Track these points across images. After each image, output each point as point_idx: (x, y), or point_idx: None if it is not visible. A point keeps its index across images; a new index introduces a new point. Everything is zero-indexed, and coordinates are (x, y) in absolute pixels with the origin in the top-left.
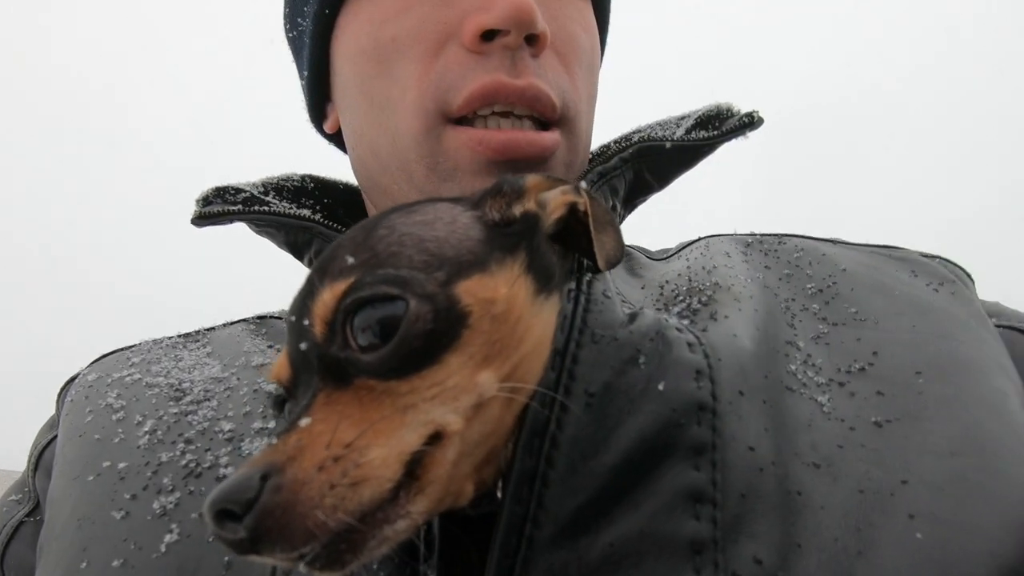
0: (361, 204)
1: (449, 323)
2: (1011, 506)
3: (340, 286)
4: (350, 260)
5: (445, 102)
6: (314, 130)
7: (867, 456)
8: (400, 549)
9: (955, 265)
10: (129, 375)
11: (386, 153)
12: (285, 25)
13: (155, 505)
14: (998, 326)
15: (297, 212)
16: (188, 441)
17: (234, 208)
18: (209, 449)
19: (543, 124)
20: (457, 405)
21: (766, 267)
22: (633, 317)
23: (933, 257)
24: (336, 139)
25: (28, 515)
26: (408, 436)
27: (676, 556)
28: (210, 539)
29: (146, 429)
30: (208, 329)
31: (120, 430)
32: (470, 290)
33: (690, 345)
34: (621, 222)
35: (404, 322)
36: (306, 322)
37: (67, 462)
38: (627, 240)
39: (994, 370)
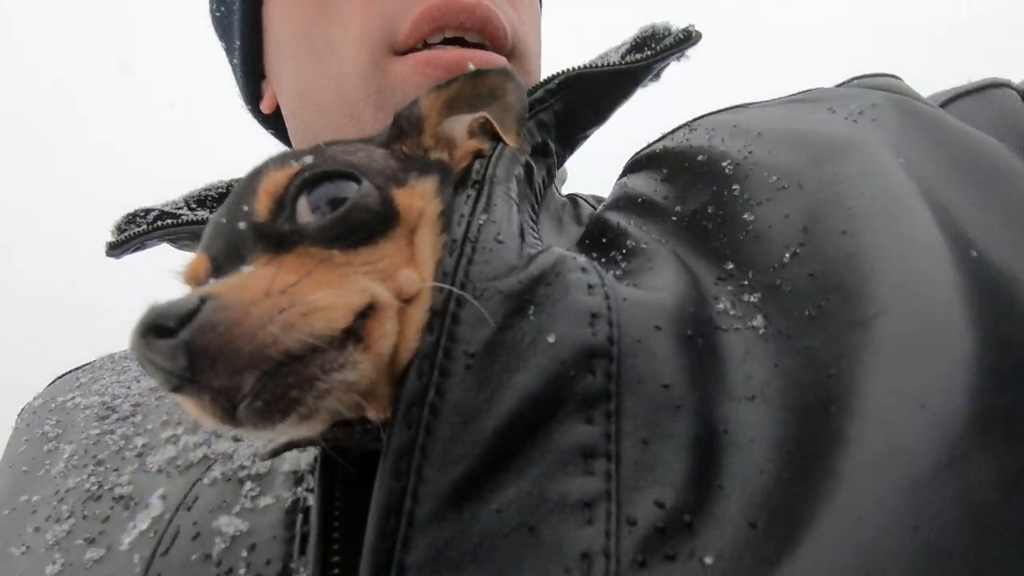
0: None
1: (387, 215)
2: (946, 353)
3: (294, 168)
4: (295, 160)
5: (391, 32)
6: (251, 115)
7: (804, 361)
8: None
9: (875, 76)
10: (71, 399)
11: (331, 102)
12: (211, 6)
13: (48, 536)
14: (943, 104)
15: (202, 217)
16: (99, 463)
17: (139, 230)
18: (117, 469)
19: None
20: (388, 286)
21: (683, 197)
22: (530, 260)
23: (849, 81)
24: (274, 122)
25: None
26: (350, 294)
27: (566, 515)
28: (88, 565)
29: (66, 456)
30: None
31: (47, 461)
32: (399, 196)
33: (590, 287)
34: (561, 161)
35: (356, 194)
36: (247, 206)
37: None
38: (583, 189)
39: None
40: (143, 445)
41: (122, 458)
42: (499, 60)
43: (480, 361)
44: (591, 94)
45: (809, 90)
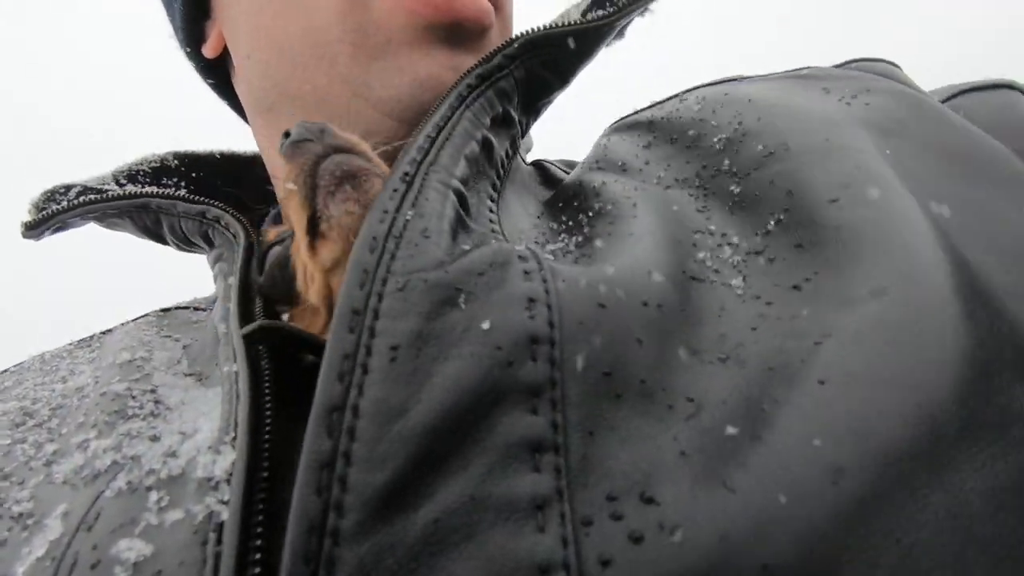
0: (243, 172)
1: None
2: (939, 344)
3: None
4: None
5: None
6: (188, 61)
7: (783, 329)
8: None
9: (875, 61)
10: None
11: (299, 43)
12: None
13: None
14: (944, 100)
15: (128, 191)
16: (5, 476)
17: (59, 207)
18: (23, 482)
19: None
20: None
21: (667, 167)
22: (461, 255)
23: (848, 63)
24: (216, 71)
25: None
26: None
27: (514, 518)
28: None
29: None
30: (105, 332)
31: None
32: None
33: (526, 273)
34: (525, 130)
35: None
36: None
37: None
38: (548, 154)
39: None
40: (53, 452)
41: (29, 469)
42: (485, 3)
43: (405, 352)
44: (553, 56)
45: (804, 68)
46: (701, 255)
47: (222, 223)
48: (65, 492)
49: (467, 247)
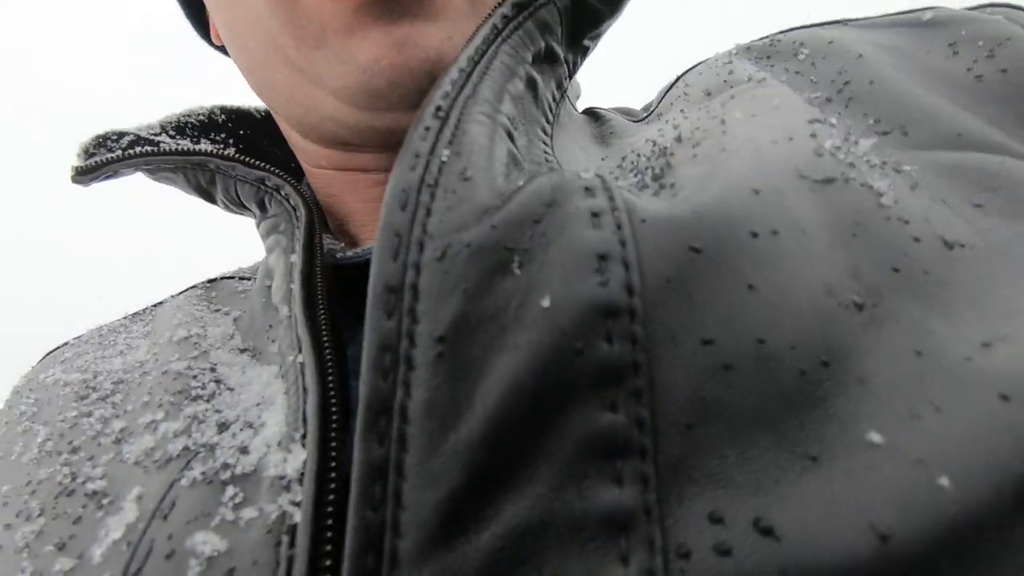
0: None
1: None
2: None
3: None
4: None
5: None
6: (210, 47)
7: (932, 291)
8: None
9: (1020, 8)
10: (51, 375)
11: (252, 40)
12: None
13: (18, 536)
14: None
15: (188, 147)
16: (74, 450)
17: (113, 156)
18: (92, 457)
19: None
20: None
21: (765, 68)
22: (512, 195)
23: (984, 6)
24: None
25: None
26: None
27: (592, 546)
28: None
29: (39, 440)
30: (156, 304)
31: (20, 444)
32: None
33: (595, 215)
34: (573, 70)
35: None
36: None
37: None
38: (608, 102)
39: None
40: (121, 430)
41: (98, 444)
42: None
43: (452, 344)
44: None
45: (928, 10)
46: (828, 144)
47: (282, 193)
48: (138, 474)
49: (520, 183)
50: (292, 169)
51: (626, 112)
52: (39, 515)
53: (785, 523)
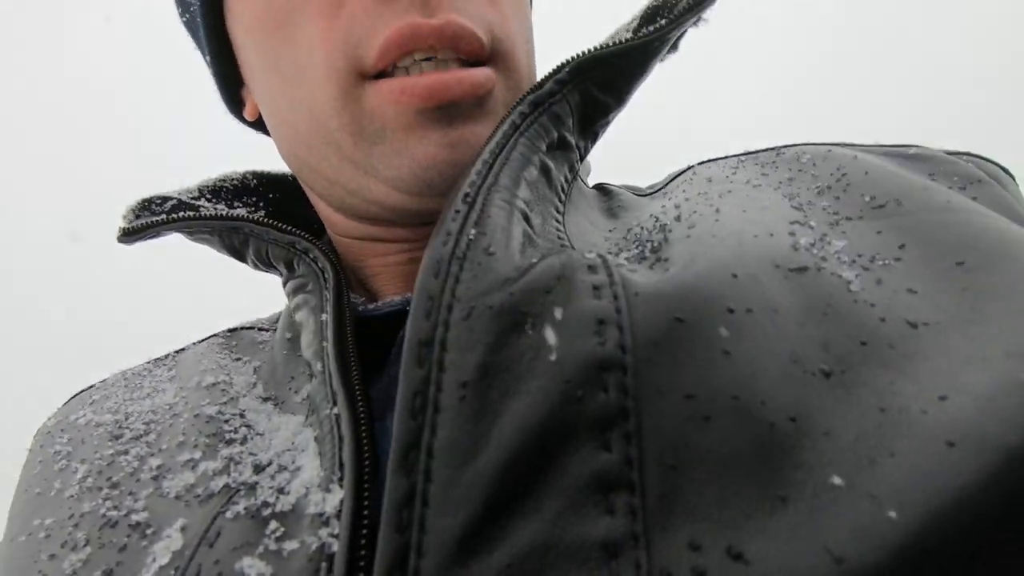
0: None
1: None
2: None
3: None
4: None
5: (357, 58)
6: (233, 118)
7: (896, 361)
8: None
9: (989, 162)
10: (82, 415)
11: (307, 129)
12: (177, 9)
13: (65, 565)
14: None
15: (226, 212)
16: (113, 485)
17: (158, 219)
18: (132, 492)
19: (474, 65)
20: None
21: (763, 174)
22: (528, 269)
23: (960, 154)
24: (260, 125)
25: None
26: None
27: (587, 567)
28: None
29: (79, 476)
30: (179, 351)
31: (58, 481)
32: None
33: (596, 288)
34: (583, 154)
35: None
36: None
37: (10, 520)
38: (617, 180)
39: None
40: (158, 467)
41: (137, 480)
42: (477, 75)
43: (474, 389)
44: (607, 77)
45: (910, 146)
46: (803, 241)
47: (310, 256)
48: (179, 508)
49: (534, 260)
50: (315, 229)
51: (632, 189)
52: (84, 545)
53: (754, 551)
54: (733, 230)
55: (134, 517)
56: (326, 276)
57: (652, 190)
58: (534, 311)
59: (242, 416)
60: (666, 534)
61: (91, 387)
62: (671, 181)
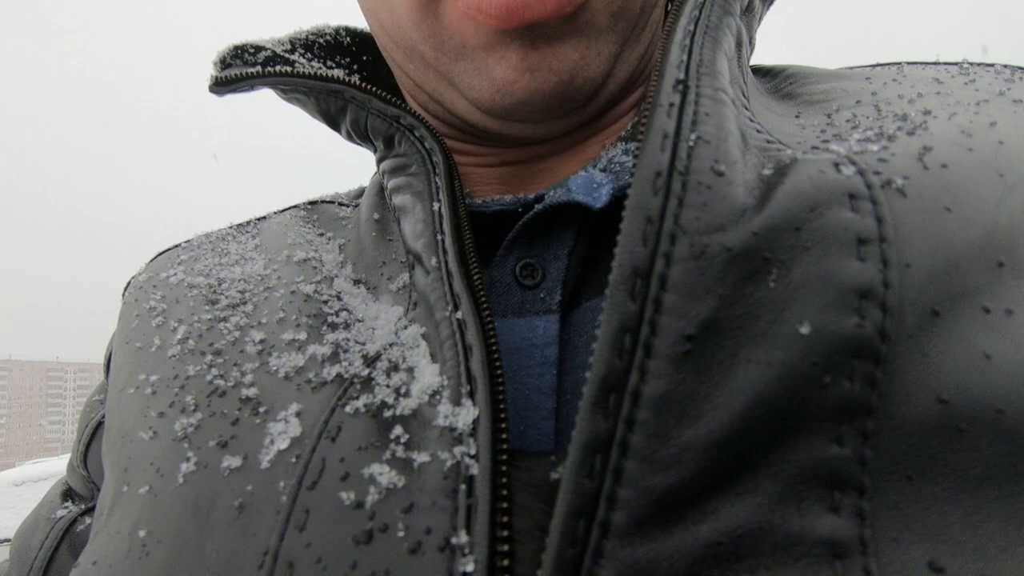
0: None
1: None
2: None
3: None
4: None
5: None
6: None
7: None
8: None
9: None
10: (173, 274)
11: (392, 30)
12: None
13: (176, 426)
14: None
15: (325, 73)
16: (217, 352)
17: (253, 71)
18: (236, 363)
19: None
20: None
21: (1015, 101)
22: (767, 193)
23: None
24: None
25: (103, 418)
26: None
27: (806, 562)
28: (225, 473)
29: (179, 336)
30: (260, 219)
31: (157, 338)
32: None
33: (862, 242)
34: (759, 20)
35: None
36: None
37: (115, 371)
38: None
39: None
40: (261, 341)
41: (240, 351)
42: None
43: (699, 344)
44: None
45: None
46: None
47: (416, 134)
48: (291, 390)
49: (768, 173)
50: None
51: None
52: (194, 410)
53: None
54: (1013, 163)
55: (244, 391)
56: (434, 160)
57: (825, 74)
58: (779, 256)
59: (339, 299)
60: (900, 548)
61: (177, 246)
62: (862, 67)
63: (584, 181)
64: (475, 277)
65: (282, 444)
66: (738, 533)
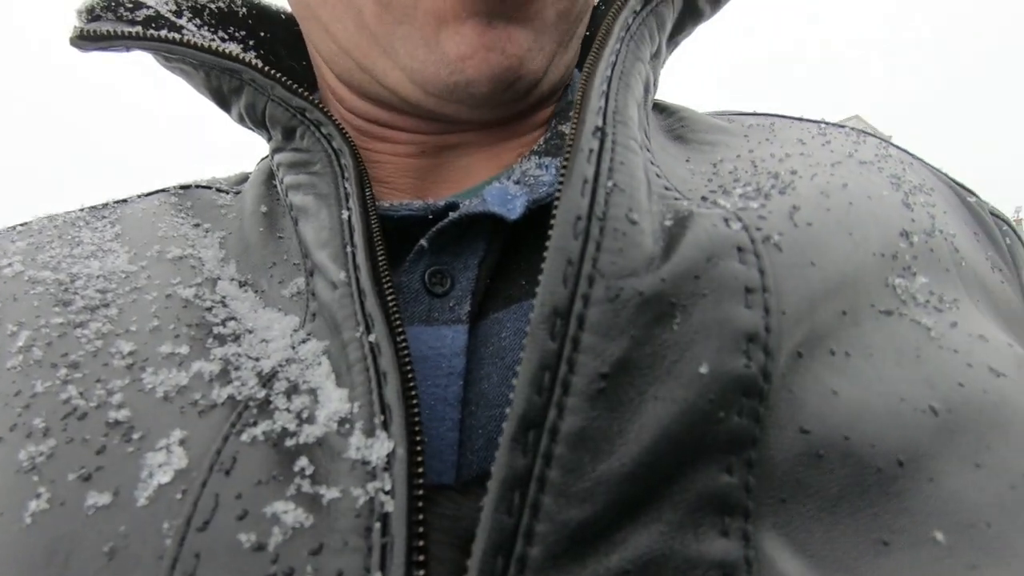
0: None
1: None
2: None
3: None
4: None
5: None
6: None
7: (990, 410)
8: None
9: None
10: (7, 264)
11: None
12: None
13: (21, 455)
14: None
15: (222, 48)
16: (73, 365)
17: (132, 30)
18: (100, 379)
19: None
20: None
21: (861, 163)
22: (670, 244)
23: (1000, 219)
24: None
25: None
26: None
27: None
28: (90, 512)
29: (20, 344)
30: (119, 201)
31: None
32: None
33: (749, 291)
34: (663, 64)
35: None
36: None
37: None
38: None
39: None
40: (131, 353)
41: (104, 364)
42: None
43: (613, 382)
44: None
45: (971, 192)
46: (895, 282)
47: (323, 131)
48: (172, 414)
49: (669, 224)
50: (307, 87)
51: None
52: (45, 435)
53: None
54: (859, 222)
55: (112, 414)
56: (343, 162)
57: (715, 115)
58: (682, 302)
59: (224, 305)
60: (775, 565)
61: (11, 228)
62: (741, 116)
63: (499, 192)
64: (389, 297)
65: (163, 478)
66: (643, 561)
